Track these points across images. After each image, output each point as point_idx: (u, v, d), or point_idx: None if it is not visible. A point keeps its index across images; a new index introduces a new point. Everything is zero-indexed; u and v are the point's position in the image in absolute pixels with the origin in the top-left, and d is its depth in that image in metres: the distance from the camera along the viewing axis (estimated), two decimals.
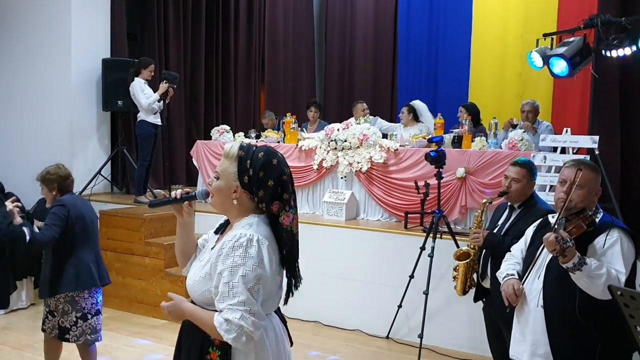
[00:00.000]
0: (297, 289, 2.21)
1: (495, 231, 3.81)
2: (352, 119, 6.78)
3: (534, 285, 2.82)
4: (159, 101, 6.87)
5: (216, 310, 2.01)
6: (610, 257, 2.65)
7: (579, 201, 2.77)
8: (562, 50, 5.69)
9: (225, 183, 2.12)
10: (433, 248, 4.88)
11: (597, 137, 5.25)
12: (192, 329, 2.12)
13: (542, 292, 2.76)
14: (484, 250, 3.84)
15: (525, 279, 2.89)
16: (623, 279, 2.60)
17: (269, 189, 2.08)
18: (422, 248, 5.03)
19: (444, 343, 5.23)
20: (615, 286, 2.21)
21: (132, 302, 6.17)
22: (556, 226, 2.67)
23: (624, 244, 2.67)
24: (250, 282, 1.98)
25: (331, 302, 5.79)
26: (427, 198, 5.60)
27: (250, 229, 2.05)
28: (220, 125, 7.52)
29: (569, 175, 2.82)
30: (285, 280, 2.19)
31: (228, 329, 1.96)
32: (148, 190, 7.26)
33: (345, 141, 6.29)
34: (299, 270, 2.20)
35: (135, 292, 6.17)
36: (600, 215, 2.81)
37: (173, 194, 2.25)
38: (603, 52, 5.58)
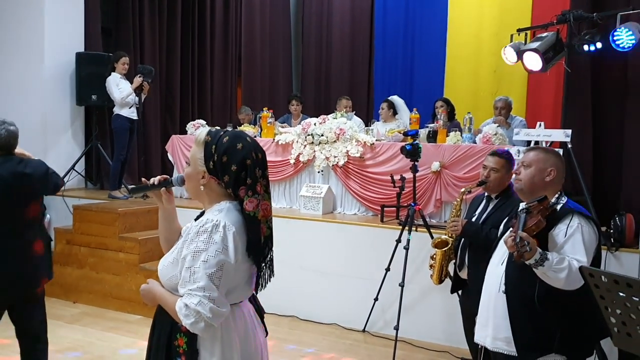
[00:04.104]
0: (267, 281, 2.17)
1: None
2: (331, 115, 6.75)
3: (497, 270, 2.84)
4: (137, 95, 6.82)
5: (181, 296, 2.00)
6: (571, 247, 2.64)
7: (527, 180, 2.81)
8: (535, 45, 5.76)
9: (194, 169, 2.11)
10: (409, 241, 4.91)
11: (569, 131, 5.31)
12: (163, 314, 2.11)
13: (503, 278, 2.78)
14: (462, 240, 3.87)
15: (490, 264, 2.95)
16: None
17: (232, 173, 2.03)
18: (398, 241, 5.06)
19: (419, 335, 5.27)
20: (586, 267, 2.23)
21: (106, 297, 6.10)
22: (515, 220, 2.67)
23: (584, 231, 2.66)
24: (211, 268, 1.95)
25: (308, 296, 5.79)
26: (403, 192, 5.65)
27: (218, 215, 2.03)
28: (196, 120, 7.47)
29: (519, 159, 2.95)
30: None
31: (186, 314, 1.94)
32: (123, 185, 7.18)
33: (322, 135, 6.29)
34: (270, 262, 2.15)
35: (109, 287, 6.10)
36: (562, 203, 2.80)
37: (151, 180, 2.25)
38: (575, 47, 5.66)
